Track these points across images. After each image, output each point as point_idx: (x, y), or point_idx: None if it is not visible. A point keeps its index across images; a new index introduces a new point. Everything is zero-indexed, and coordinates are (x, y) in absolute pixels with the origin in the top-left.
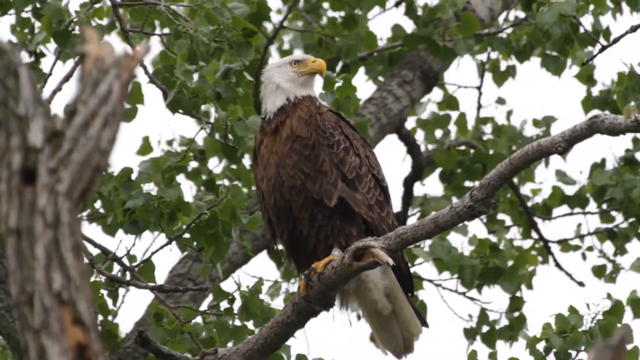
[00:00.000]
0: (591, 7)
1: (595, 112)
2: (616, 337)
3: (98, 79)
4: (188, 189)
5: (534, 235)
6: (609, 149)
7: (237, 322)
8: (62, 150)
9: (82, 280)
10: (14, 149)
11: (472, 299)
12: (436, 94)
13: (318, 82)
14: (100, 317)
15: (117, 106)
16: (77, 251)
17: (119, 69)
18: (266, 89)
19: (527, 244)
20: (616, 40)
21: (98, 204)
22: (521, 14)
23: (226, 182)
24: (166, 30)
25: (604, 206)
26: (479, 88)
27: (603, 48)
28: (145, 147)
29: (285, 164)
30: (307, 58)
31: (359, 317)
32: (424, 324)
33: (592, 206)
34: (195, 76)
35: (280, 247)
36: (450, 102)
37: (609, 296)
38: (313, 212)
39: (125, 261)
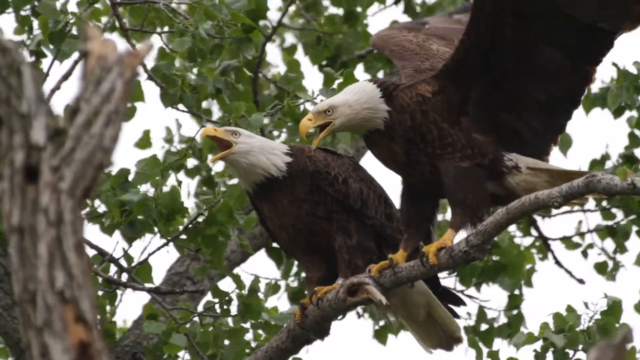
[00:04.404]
0: None
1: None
2: (618, 336)
3: (101, 77)
4: (187, 187)
5: (534, 232)
6: (608, 146)
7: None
8: (65, 149)
9: (84, 279)
10: (17, 147)
11: (470, 297)
12: None
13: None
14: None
15: (120, 104)
16: (79, 249)
17: (121, 67)
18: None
19: (526, 241)
20: None
21: (96, 202)
22: None
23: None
24: (165, 28)
25: (604, 203)
26: None
27: None
28: (145, 140)
29: (299, 216)
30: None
31: (359, 316)
32: (461, 302)
33: (592, 203)
34: (194, 73)
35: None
36: None
37: (606, 296)
38: (340, 242)
39: (122, 262)
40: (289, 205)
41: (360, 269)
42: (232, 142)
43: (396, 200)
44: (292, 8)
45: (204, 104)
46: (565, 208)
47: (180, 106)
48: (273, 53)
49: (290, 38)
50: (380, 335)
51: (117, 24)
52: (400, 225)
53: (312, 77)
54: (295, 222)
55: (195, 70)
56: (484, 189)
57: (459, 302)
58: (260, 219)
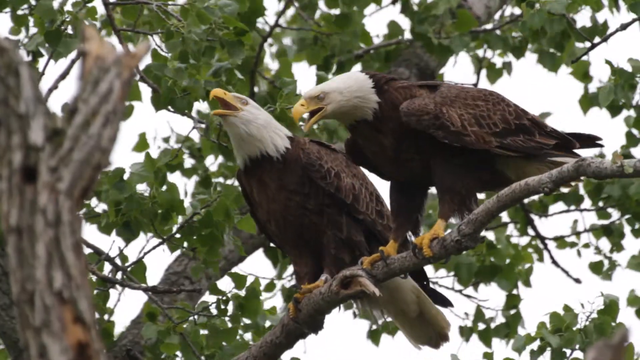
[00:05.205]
0: (583, 5)
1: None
2: (616, 337)
3: (99, 77)
4: (184, 187)
5: (531, 232)
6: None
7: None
8: (63, 149)
9: (82, 279)
10: (15, 148)
11: (468, 296)
12: None
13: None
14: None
15: (118, 104)
16: (77, 250)
17: (119, 68)
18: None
19: (523, 241)
20: (606, 39)
21: (94, 202)
22: (517, 11)
23: (222, 180)
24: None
25: (600, 203)
26: (475, 85)
27: (592, 46)
28: (142, 143)
29: (288, 207)
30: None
31: (355, 315)
32: (449, 304)
33: (588, 203)
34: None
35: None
36: None
37: (602, 294)
38: (330, 236)
39: (118, 261)
40: (277, 192)
41: (345, 264)
42: (238, 107)
43: (387, 194)
44: (290, 11)
45: (197, 105)
46: (562, 207)
47: (171, 107)
48: (268, 53)
49: (286, 40)
50: (375, 336)
51: (109, 23)
52: (391, 216)
53: (307, 78)
54: (284, 213)
55: (187, 72)
56: (474, 177)
57: (446, 303)
58: (251, 211)
